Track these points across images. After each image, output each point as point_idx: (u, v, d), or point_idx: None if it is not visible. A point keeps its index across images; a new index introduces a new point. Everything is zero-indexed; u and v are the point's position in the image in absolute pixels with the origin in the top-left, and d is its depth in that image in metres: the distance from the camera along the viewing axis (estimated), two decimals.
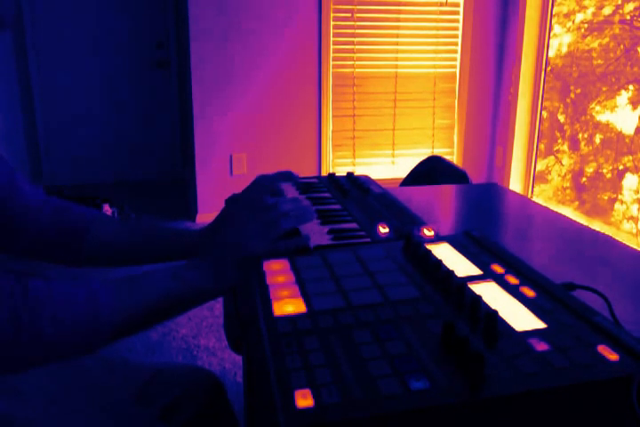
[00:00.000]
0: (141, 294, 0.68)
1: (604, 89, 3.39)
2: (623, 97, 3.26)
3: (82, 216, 0.89)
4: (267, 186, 0.88)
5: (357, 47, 3.78)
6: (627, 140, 3.23)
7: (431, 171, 1.86)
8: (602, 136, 3.43)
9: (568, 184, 3.73)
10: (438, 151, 4.05)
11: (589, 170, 3.52)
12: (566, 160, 3.74)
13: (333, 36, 3.72)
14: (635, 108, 3.17)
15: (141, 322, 0.68)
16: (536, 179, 3.94)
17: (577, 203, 3.63)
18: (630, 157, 3.21)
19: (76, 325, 0.62)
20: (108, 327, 0.65)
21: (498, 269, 0.67)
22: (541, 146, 3.88)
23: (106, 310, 0.64)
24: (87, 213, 0.90)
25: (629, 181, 3.21)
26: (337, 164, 3.94)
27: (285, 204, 0.77)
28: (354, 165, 3.95)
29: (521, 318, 0.56)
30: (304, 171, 3.82)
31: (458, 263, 0.68)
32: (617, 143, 3.31)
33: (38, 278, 0.64)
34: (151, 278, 0.70)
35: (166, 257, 0.88)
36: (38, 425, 0.78)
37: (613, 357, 0.49)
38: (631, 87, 3.20)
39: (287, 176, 0.94)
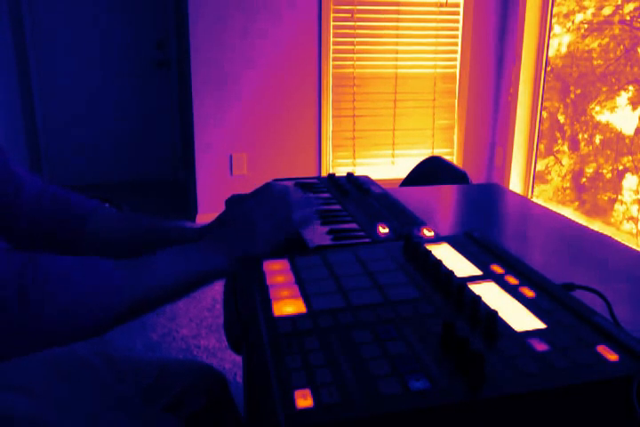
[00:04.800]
0: (153, 276, 0.68)
1: (603, 89, 3.39)
2: (623, 97, 3.26)
3: (81, 205, 0.88)
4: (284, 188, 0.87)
5: (357, 47, 3.78)
6: (627, 141, 3.23)
7: (431, 171, 1.86)
8: (602, 136, 3.43)
9: (568, 184, 3.73)
10: (438, 151, 4.05)
11: (589, 170, 3.52)
12: (566, 160, 3.74)
13: (333, 36, 3.72)
14: (635, 108, 3.17)
15: (149, 304, 0.68)
16: (536, 179, 3.94)
17: (577, 203, 3.63)
18: (630, 158, 3.21)
19: (86, 305, 0.62)
20: (117, 309, 0.64)
21: (498, 269, 0.67)
22: (541, 146, 3.88)
23: (117, 291, 0.64)
24: (87, 203, 0.89)
25: (629, 181, 3.21)
26: (337, 164, 3.94)
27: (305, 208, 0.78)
28: (354, 165, 3.95)
29: (521, 319, 0.56)
30: (304, 171, 3.82)
31: (458, 263, 0.68)
32: (617, 144, 3.31)
33: (51, 255, 0.63)
34: (162, 261, 0.70)
35: None
36: (48, 423, 0.78)
37: (613, 357, 0.49)
38: (631, 88, 3.20)
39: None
